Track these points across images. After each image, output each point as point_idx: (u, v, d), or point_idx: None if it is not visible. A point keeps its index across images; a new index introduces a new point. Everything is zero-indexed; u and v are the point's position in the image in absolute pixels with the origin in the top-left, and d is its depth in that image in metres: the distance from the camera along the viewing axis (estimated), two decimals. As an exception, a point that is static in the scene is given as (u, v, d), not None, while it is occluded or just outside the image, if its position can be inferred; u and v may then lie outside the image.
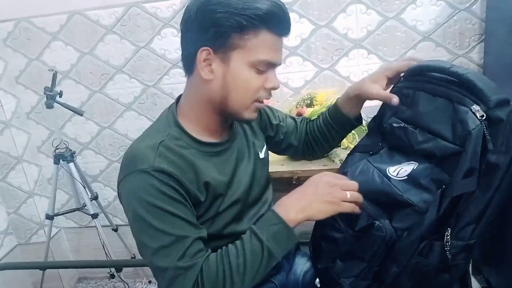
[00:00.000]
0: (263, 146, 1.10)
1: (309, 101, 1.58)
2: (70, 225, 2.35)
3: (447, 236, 0.79)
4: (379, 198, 0.88)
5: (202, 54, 0.84)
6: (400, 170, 0.88)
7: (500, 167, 0.76)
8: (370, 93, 1.00)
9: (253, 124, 1.10)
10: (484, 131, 0.77)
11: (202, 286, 0.79)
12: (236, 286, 0.80)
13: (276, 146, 1.21)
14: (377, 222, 0.84)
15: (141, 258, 0.85)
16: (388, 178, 0.88)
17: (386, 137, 0.97)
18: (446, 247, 0.79)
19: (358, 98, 1.05)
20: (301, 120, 1.23)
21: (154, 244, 0.81)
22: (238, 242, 0.84)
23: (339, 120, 1.11)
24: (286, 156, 1.52)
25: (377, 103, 1.01)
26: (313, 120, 1.20)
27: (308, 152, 1.21)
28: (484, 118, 0.77)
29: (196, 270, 0.81)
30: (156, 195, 0.81)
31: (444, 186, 0.79)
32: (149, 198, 0.81)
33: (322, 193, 0.85)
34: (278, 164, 1.54)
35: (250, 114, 0.91)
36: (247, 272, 0.81)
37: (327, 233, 0.96)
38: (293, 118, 1.23)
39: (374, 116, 1.04)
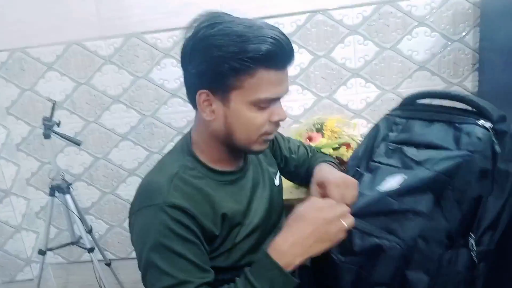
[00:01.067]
0: (277, 173, 1.10)
1: (319, 126, 1.60)
2: (58, 261, 2.25)
3: (472, 242, 0.80)
4: (373, 212, 0.85)
5: (201, 96, 0.83)
6: (389, 183, 0.86)
7: (510, 173, 0.82)
8: None
9: (266, 151, 1.09)
10: (493, 139, 0.83)
11: None
12: None
13: (286, 175, 1.20)
14: (386, 242, 0.81)
15: None
16: (379, 192, 0.86)
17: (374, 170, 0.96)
18: (472, 252, 0.80)
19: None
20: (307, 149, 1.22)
21: (156, 283, 0.80)
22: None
23: None
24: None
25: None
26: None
27: None
28: (492, 128, 0.84)
29: None
30: (167, 233, 0.80)
31: (450, 187, 0.81)
32: (159, 236, 0.80)
33: (320, 233, 0.78)
34: (287, 191, 1.52)
35: (259, 147, 0.90)
36: None
37: (325, 272, 0.90)
38: (306, 148, 1.22)
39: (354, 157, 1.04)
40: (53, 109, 1.76)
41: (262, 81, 0.79)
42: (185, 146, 0.93)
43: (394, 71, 1.81)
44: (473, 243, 0.80)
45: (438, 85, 1.80)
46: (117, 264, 2.16)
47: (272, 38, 0.78)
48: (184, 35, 0.84)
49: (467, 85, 1.79)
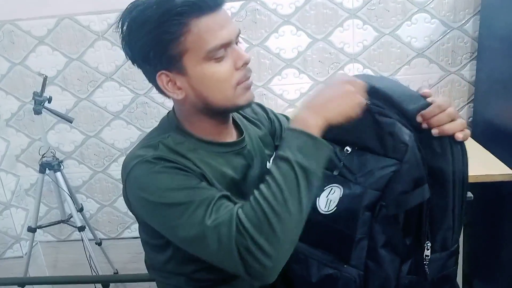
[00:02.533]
0: (272, 156, 1.07)
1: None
2: (48, 239, 2.23)
3: (427, 249, 0.78)
4: (323, 239, 0.82)
5: (162, 79, 0.79)
6: (328, 200, 0.81)
7: (445, 170, 0.76)
8: None
9: (263, 132, 1.06)
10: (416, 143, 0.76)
11: (246, 232, 0.69)
12: (282, 216, 0.69)
13: None
14: (338, 273, 0.79)
15: (127, 274, 0.79)
16: (322, 215, 0.81)
17: None
18: (425, 260, 0.78)
19: None
20: None
21: (180, 219, 0.74)
22: (266, 176, 0.75)
23: None
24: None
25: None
26: None
27: None
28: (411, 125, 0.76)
29: (229, 222, 0.71)
30: (163, 178, 0.76)
31: (383, 203, 0.76)
32: (157, 183, 0.76)
33: (334, 93, 0.75)
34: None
35: (243, 99, 0.84)
36: (287, 198, 0.69)
37: None
38: None
39: None
40: (44, 84, 1.72)
41: (201, 32, 0.75)
42: (172, 122, 0.89)
43: (392, 57, 1.79)
44: (428, 253, 0.78)
45: (435, 73, 1.79)
46: (107, 244, 2.16)
47: None
48: (120, 37, 0.81)
49: (465, 73, 1.78)
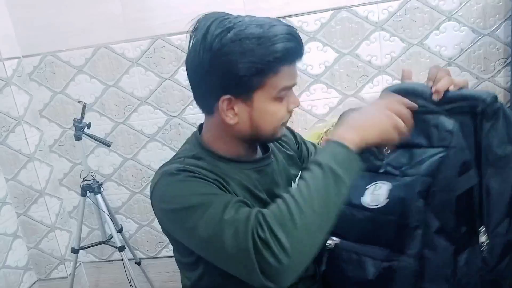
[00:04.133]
0: (298, 176, 1.07)
1: (339, 127, 1.57)
2: (90, 259, 2.31)
3: (483, 238, 0.78)
4: (375, 234, 0.83)
5: (225, 102, 0.82)
6: (375, 195, 0.83)
7: (510, 156, 0.77)
8: None
9: (290, 153, 1.07)
10: (476, 125, 0.78)
11: (265, 223, 0.69)
12: (305, 212, 0.68)
13: None
14: (396, 264, 0.79)
15: None
16: (370, 210, 0.82)
17: None
18: (483, 248, 0.78)
19: None
20: None
21: (199, 220, 0.74)
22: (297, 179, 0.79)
23: None
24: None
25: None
26: None
27: None
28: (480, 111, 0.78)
29: (247, 218, 0.71)
30: (183, 186, 0.79)
31: (435, 189, 0.77)
32: (177, 191, 0.79)
33: (376, 116, 0.76)
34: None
35: (280, 133, 0.91)
36: (314, 196, 0.69)
37: None
38: None
39: None
40: (83, 111, 1.81)
41: (284, 76, 0.82)
42: (196, 142, 0.92)
43: (421, 67, 1.77)
44: (484, 239, 0.78)
45: (468, 81, 1.74)
46: (147, 263, 2.21)
47: (288, 34, 0.79)
48: (189, 42, 0.83)
49: (499, 80, 1.74)
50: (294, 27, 0.83)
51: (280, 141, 1.06)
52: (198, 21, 0.84)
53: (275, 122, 0.86)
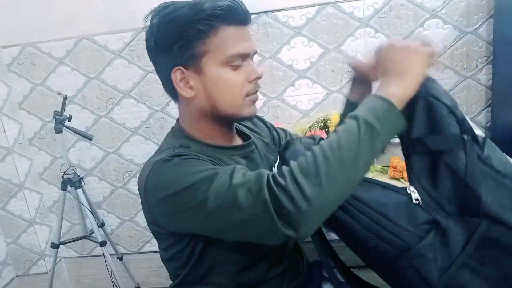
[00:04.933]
0: (277, 161, 1.08)
1: (322, 124, 1.57)
2: (71, 255, 2.27)
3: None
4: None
5: (176, 74, 0.83)
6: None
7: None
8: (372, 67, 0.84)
9: (266, 141, 1.07)
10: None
11: (288, 171, 0.67)
12: (331, 162, 0.66)
13: None
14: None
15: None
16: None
17: None
18: None
19: (363, 81, 0.90)
20: (318, 140, 1.18)
21: (207, 192, 0.71)
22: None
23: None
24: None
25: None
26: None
27: None
28: None
29: (258, 176, 0.70)
30: (181, 168, 0.76)
31: None
32: (176, 174, 0.76)
33: (409, 57, 0.73)
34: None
35: (248, 110, 0.87)
36: (343, 145, 0.67)
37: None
38: (313, 138, 1.18)
39: None
40: (64, 103, 1.77)
41: (227, 38, 0.81)
42: (178, 133, 0.91)
43: (405, 64, 1.78)
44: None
45: (451, 78, 1.77)
46: (129, 258, 2.19)
47: None
48: (145, 31, 0.86)
49: (481, 78, 1.76)
50: None
51: (254, 131, 1.06)
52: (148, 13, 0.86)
53: (232, 92, 0.84)
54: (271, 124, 1.15)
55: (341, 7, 1.75)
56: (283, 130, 1.18)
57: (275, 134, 1.13)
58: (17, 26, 1.93)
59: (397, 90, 0.71)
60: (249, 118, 0.94)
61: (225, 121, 0.90)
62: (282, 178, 0.67)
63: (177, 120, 0.95)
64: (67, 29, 1.91)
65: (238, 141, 0.97)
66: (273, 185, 0.67)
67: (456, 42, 1.73)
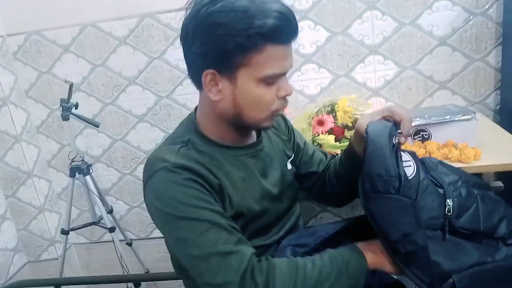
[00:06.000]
0: (291, 157, 1.07)
1: (329, 108, 1.56)
2: (81, 241, 2.30)
3: None
4: None
5: (207, 77, 0.81)
6: None
7: None
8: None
9: (283, 137, 1.07)
10: None
11: (269, 276, 0.76)
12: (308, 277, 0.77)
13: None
14: None
15: (157, 272, 0.83)
16: None
17: None
18: None
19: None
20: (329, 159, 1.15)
21: (190, 234, 0.77)
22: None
23: (351, 161, 0.99)
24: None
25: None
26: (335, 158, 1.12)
27: (323, 195, 1.11)
28: None
29: (242, 258, 0.76)
30: (180, 190, 0.78)
31: None
32: (174, 194, 0.78)
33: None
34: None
35: (268, 123, 0.88)
36: (316, 272, 0.78)
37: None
38: (324, 155, 1.16)
39: None
40: (70, 91, 1.77)
41: (270, 57, 0.78)
42: (191, 124, 0.91)
43: (413, 47, 1.76)
44: None
45: (459, 61, 1.75)
46: (138, 244, 2.21)
47: (277, 12, 0.76)
48: (184, 14, 0.82)
49: (490, 60, 1.74)
50: (289, 7, 0.79)
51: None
52: None
53: (261, 107, 0.83)
54: (291, 125, 1.13)
55: (348, -11, 1.73)
56: (301, 136, 1.16)
57: (293, 136, 1.12)
58: (21, 14, 1.92)
59: (373, 260, 0.84)
60: (265, 130, 0.99)
61: (244, 128, 0.91)
62: (260, 277, 0.75)
63: (195, 108, 0.94)
64: (72, 16, 1.90)
65: (252, 138, 0.97)
66: (248, 278, 0.75)
67: (465, 24, 1.70)
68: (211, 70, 0.80)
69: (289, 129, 1.12)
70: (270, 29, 0.75)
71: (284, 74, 0.84)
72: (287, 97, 0.87)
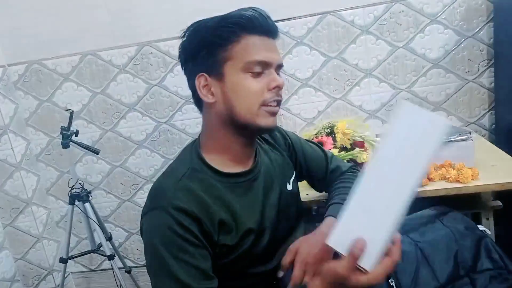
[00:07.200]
0: (292, 177, 1.08)
1: (329, 130, 1.58)
2: (79, 269, 2.28)
3: None
4: None
5: (200, 80, 0.88)
6: None
7: None
8: None
9: (284, 154, 1.08)
10: None
11: None
12: None
13: (303, 179, 1.18)
14: None
15: None
16: None
17: None
18: None
19: None
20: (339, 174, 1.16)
21: (160, 285, 0.83)
22: None
23: None
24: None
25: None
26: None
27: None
28: None
29: None
30: (171, 237, 0.81)
31: None
32: (164, 239, 0.81)
33: None
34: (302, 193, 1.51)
35: (265, 121, 0.87)
36: None
37: None
38: (325, 156, 1.17)
39: None
40: (70, 119, 1.78)
41: (248, 45, 0.85)
42: (194, 150, 0.93)
43: (407, 69, 1.80)
44: None
45: (453, 82, 1.78)
46: (137, 271, 2.18)
47: (250, 8, 0.87)
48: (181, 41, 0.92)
49: (483, 81, 1.77)
50: (262, 9, 0.88)
51: (272, 143, 1.06)
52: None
53: (249, 99, 0.85)
54: (291, 142, 1.13)
55: (341, 15, 1.77)
56: (301, 142, 1.15)
57: (293, 151, 1.12)
58: (22, 44, 1.96)
59: None
60: (267, 131, 0.96)
61: (242, 131, 0.90)
62: None
63: (199, 135, 0.97)
64: (72, 46, 1.94)
65: (250, 162, 0.96)
66: None
67: (457, 46, 1.75)
68: (201, 74, 0.87)
69: (290, 147, 1.12)
70: (244, 18, 0.84)
71: (268, 64, 0.86)
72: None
